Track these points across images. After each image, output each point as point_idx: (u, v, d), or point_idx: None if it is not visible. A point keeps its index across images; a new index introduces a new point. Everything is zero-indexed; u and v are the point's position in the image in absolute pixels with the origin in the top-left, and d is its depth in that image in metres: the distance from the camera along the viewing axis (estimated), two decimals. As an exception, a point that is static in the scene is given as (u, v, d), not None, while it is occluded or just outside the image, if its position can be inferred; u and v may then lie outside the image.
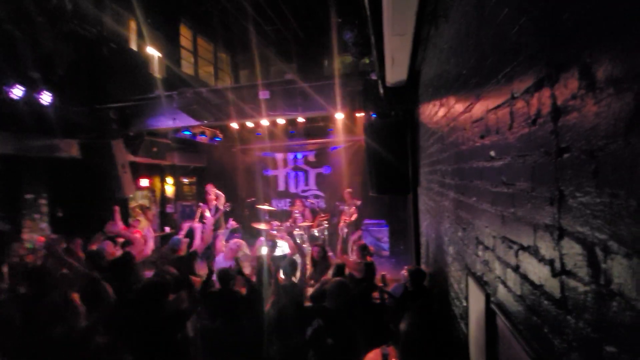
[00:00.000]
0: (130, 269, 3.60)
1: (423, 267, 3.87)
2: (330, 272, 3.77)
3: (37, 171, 5.51)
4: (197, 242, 4.07)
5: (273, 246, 4.33)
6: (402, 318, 2.70)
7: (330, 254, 6.92)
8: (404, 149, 4.41)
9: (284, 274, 3.34)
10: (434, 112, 2.51)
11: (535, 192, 0.79)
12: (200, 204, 6.73)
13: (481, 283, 1.30)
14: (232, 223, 5.28)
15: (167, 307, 2.67)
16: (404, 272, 4.02)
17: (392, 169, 4.42)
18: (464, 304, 1.69)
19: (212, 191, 6.69)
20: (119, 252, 4.00)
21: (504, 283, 1.03)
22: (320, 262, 4.31)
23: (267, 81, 5.17)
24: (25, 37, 4.48)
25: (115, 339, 2.79)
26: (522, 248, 0.87)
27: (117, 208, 5.24)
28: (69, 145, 5.50)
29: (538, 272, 0.78)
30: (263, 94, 4.92)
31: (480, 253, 1.32)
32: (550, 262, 0.71)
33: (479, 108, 1.28)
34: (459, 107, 1.65)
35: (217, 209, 6.62)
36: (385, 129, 4.41)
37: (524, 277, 0.87)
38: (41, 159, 5.35)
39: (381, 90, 4.07)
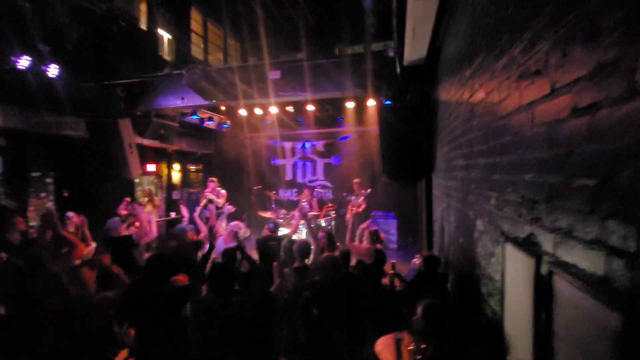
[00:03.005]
0: (129, 250, 3.51)
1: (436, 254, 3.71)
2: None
3: (43, 149, 5.44)
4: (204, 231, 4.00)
5: (275, 228, 4.21)
6: (414, 303, 2.55)
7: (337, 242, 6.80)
8: (419, 133, 4.23)
9: (298, 256, 3.22)
10: (465, 78, 2.33)
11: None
12: (205, 192, 6.70)
13: (528, 246, 1.13)
14: (228, 207, 5.19)
15: (171, 283, 2.58)
16: (416, 261, 3.85)
17: (406, 153, 4.25)
18: (497, 278, 1.53)
19: (213, 186, 6.65)
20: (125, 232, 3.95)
21: (569, 234, 0.87)
22: (328, 249, 4.19)
23: (277, 60, 4.99)
24: (35, 10, 4.39)
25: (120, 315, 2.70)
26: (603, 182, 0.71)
27: (127, 199, 5.20)
28: (75, 123, 5.42)
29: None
30: (273, 74, 4.77)
31: (524, 211, 1.16)
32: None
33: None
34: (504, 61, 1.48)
35: (216, 207, 6.56)
36: (401, 112, 4.23)
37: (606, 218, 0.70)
38: (48, 136, 5.27)
39: (398, 69, 3.89)
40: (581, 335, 0.82)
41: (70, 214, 4.45)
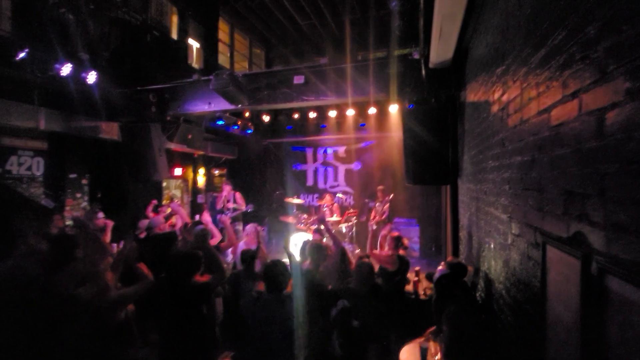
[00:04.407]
0: (173, 246, 3.71)
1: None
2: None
3: (80, 151, 5.77)
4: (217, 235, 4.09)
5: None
6: (442, 305, 2.43)
7: (357, 250, 6.70)
8: (445, 136, 4.11)
9: (311, 259, 3.17)
10: (497, 76, 2.25)
11: None
12: (219, 194, 6.90)
13: (574, 245, 1.05)
14: (250, 206, 5.30)
15: (194, 281, 2.60)
16: (441, 268, 3.71)
17: (431, 157, 4.14)
18: (535, 283, 1.42)
19: (228, 189, 6.83)
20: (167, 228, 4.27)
21: (626, 228, 0.79)
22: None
23: (302, 65, 5.05)
24: (77, 21, 4.71)
25: (141, 310, 2.74)
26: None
27: (154, 201, 5.47)
28: (110, 128, 5.72)
29: None
30: (297, 79, 4.82)
31: (569, 208, 1.07)
32: None
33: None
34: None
35: (234, 209, 6.71)
36: (426, 116, 4.14)
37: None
38: (85, 139, 5.59)
39: (423, 72, 3.82)
40: (644, 341, 0.73)
41: (100, 214, 4.67)
